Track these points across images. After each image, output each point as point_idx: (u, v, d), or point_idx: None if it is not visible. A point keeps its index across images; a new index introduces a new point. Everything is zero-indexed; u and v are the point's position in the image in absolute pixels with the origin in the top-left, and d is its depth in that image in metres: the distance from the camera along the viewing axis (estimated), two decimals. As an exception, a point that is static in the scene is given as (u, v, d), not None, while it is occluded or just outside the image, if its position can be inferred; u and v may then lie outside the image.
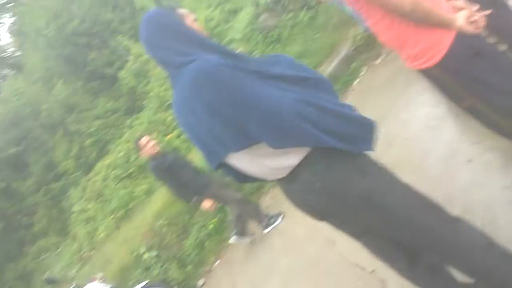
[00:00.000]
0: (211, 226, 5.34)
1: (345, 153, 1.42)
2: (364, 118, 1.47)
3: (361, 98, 4.43)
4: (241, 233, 4.48)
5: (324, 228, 3.20)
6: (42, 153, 12.34)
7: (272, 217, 4.38)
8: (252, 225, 4.53)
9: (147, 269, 5.21)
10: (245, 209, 4.41)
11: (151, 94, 9.94)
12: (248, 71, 1.40)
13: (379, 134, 1.49)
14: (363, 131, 1.45)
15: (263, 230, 4.40)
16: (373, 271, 2.44)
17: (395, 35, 1.61)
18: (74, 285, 5.77)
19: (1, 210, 11.90)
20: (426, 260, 1.60)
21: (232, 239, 4.53)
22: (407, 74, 3.14)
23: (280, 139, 1.39)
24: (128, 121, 11.08)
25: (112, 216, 7.83)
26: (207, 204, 4.28)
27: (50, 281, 7.45)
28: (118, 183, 8.67)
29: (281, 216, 4.34)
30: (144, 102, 10.67)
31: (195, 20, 1.59)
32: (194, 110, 1.43)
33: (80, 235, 8.62)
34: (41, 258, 11.71)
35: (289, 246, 3.78)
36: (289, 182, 1.51)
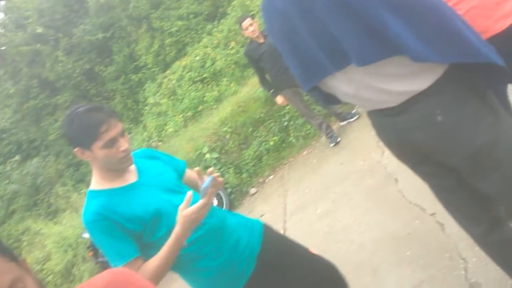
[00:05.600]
0: (272, 142, 5.46)
1: (476, 87, 1.14)
2: None
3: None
4: (330, 134, 4.60)
5: (389, 165, 3.15)
6: (126, 44, 12.86)
7: (348, 113, 4.68)
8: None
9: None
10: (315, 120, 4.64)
11: (235, 2, 9.72)
12: None
13: None
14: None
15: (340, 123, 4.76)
16: (433, 213, 2.40)
17: None
18: None
19: (84, 90, 12.89)
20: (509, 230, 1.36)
21: (333, 140, 4.57)
22: None
23: (435, 48, 1.02)
24: (209, 27, 11.05)
25: (181, 115, 8.24)
26: (279, 99, 4.60)
27: None
28: (191, 85, 8.94)
29: (357, 116, 4.62)
30: (227, 10, 10.50)
31: None
32: (308, 8, 1.09)
33: (151, 126, 9.23)
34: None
35: (348, 176, 3.75)
36: (396, 114, 1.19)
